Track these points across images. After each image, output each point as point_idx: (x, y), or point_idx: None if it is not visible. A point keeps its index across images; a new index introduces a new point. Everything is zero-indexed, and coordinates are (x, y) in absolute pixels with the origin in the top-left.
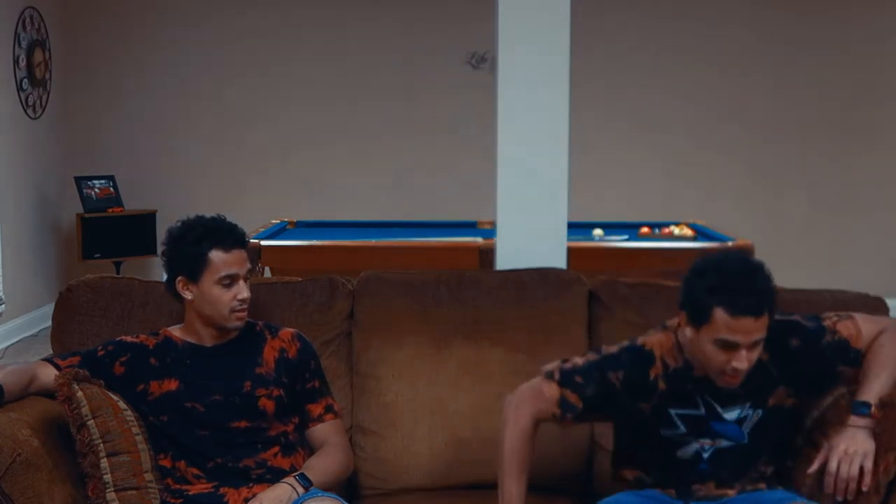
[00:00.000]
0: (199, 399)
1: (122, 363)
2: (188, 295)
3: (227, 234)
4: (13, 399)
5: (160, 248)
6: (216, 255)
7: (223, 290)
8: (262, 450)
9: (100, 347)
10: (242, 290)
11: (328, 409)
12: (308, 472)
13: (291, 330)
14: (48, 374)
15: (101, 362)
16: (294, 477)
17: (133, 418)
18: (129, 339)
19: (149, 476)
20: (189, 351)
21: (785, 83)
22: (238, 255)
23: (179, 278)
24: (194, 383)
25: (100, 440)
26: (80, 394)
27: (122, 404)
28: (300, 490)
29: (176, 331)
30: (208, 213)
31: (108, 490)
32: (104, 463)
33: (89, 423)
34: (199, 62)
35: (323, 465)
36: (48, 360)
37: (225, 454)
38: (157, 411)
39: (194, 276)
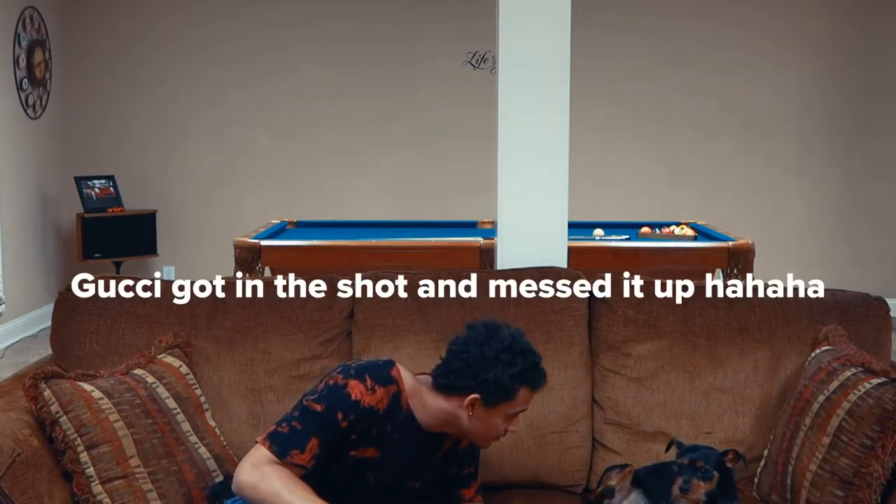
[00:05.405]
0: (379, 473)
1: (357, 431)
2: (468, 412)
3: (542, 378)
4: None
5: (453, 347)
6: (523, 394)
7: (503, 422)
8: None
9: (340, 417)
10: (516, 423)
11: (478, 490)
12: None
13: None
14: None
15: (343, 434)
16: None
17: (110, 405)
18: (366, 400)
19: (135, 461)
20: (405, 425)
21: (785, 83)
22: (535, 392)
23: (474, 397)
24: (386, 460)
25: (75, 434)
26: (47, 392)
27: (96, 394)
28: None
29: (408, 385)
30: (516, 334)
31: (93, 483)
32: (84, 457)
33: (61, 419)
34: (199, 62)
35: None
36: (283, 461)
37: None
38: (337, 464)
39: (491, 403)
